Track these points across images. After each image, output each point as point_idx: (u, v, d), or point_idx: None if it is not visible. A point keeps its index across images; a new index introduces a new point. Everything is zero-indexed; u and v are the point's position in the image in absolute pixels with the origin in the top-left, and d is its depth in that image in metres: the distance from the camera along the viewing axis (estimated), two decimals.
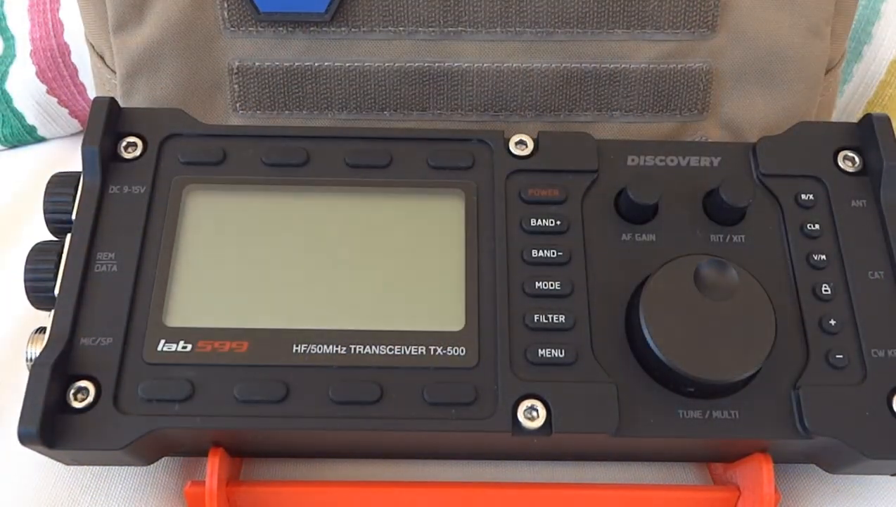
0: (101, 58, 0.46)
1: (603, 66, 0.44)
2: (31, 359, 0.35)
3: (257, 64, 0.44)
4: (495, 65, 0.44)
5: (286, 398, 0.34)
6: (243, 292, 0.36)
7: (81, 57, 0.53)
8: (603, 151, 0.40)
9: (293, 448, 0.38)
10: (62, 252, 0.37)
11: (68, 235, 0.37)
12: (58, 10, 0.53)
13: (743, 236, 0.38)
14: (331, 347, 0.35)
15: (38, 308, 0.38)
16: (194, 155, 0.39)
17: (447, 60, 0.44)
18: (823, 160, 0.40)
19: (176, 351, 0.35)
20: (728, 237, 0.38)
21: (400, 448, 0.37)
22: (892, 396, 0.35)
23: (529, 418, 0.34)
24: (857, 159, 0.40)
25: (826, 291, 0.37)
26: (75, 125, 0.57)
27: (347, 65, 0.44)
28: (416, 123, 0.45)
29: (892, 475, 0.37)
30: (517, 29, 0.43)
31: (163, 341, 0.35)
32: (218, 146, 0.39)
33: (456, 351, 0.35)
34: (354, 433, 0.34)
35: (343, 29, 0.43)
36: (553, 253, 0.37)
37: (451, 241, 0.38)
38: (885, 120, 0.40)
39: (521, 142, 0.40)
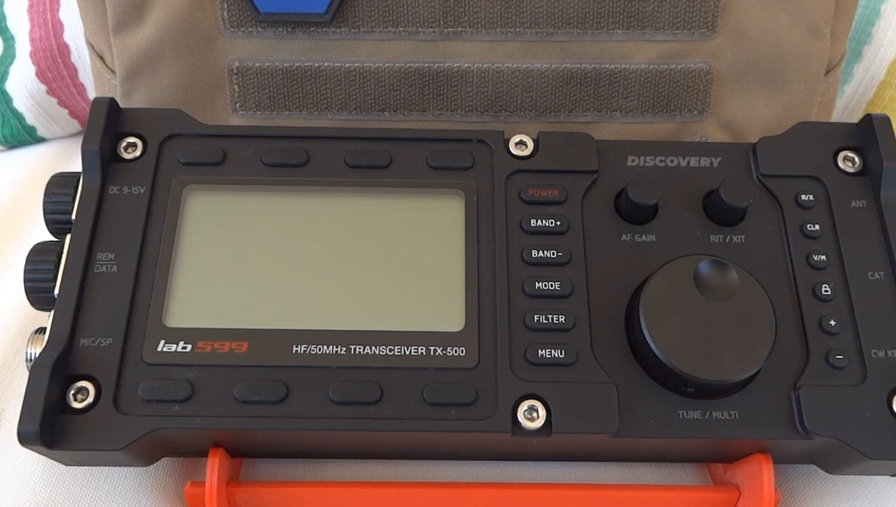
0: (101, 58, 0.46)
1: (603, 66, 0.44)
2: (31, 359, 0.35)
3: (257, 64, 0.44)
4: (495, 65, 0.44)
5: (286, 399, 0.34)
6: (243, 292, 0.36)
7: (81, 57, 0.53)
8: (603, 151, 0.40)
9: (293, 448, 0.38)
10: (62, 252, 0.37)
11: (68, 236, 0.37)
12: (58, 10, 0.53)
13: (743, 236, 0.38)
14: (331, 347, 0.35)
15: (37, 309, 0.38)
16: (194, 155, 0.39)
17: (447, 61, 0.44)
18: (823, 160, 0.40)
19: (176, 351, 0.35)
20: (728, 237, 0.38)
21: (400, 448, 0.37)
22: (892, 396, 0.35)
23: (529, 419, 0.34)
24: (857, 160, 0.40)
25: (826, 291, 0.37)
26: (75, 125, 0.57)
27: (347, 65, 0.44)
28: (416, 124, 0.45)
29: (892, 475, 0.37)
30: (517, 29, 0.43)
31: (163, 342, 0.35)
32: (218, 146, 0.39)
33: (456, 351, 0.35)
34: (354, 434, 0.34)
35: (343, 29, 0.43)
36: (553, 253, 0.37)
37: (451, 241, 0.38)
38: (885, 120, 0.40)
39: (521, 142, 0.40)
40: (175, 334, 0.35)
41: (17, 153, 0.56)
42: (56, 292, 0.36)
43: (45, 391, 0.33)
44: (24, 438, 0.33)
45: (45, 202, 0.38)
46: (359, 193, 0.39)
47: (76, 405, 0.34)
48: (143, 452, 0.35)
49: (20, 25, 0.53)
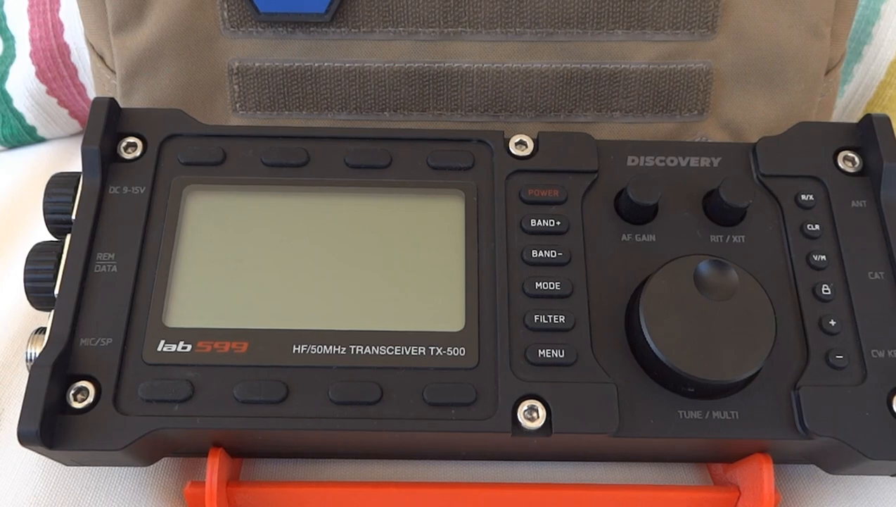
0: (101, 58, 0.46)
1: (603, 66, 0.44)
2: (31, 359, 0.35)
3: (257, 64, 0.44)
4: (495, 65, 0.44)
5: (286, 399, 0.34)
6: (243, 292, 0.36)
7: (81, 57, 0.53)
8: (603, 151, 0.40)
9: (293, 448, 0.38)
10: (62, 253, 0.37)
11: (68, 236, 0.37)
12: (58, 10, 0.53)
13: (743, 236, 0.38)
14: (331, 347, 0.35)
15: (37, 309, 0.38)
16: (194, 155, 0.39)
17: (447, 61, 0.44)
18: (823, 160, 0.40)
19: (176, 351, 0.35)
20: (728, 237, 0.38)
21: (400, 448, 0.37)
22: (892, 396, 0.35)
23: (529, 419, 0.34)
24: (857, 160, 0.40)
25: (826, 291, 0.37)
26: (75, 125, 0.57)
27: (347, 65, 0.44)
28: (416, 124, 0.45)
29: (892, 475, 0.37)
30: (517, 29, 0.43)
31: (163, 342, 0.35)
32: (218, 146, 0.39)
33: (456, 351, 0.35)
34: (354, 434, 0.34)
35: (343, 29, 0.43)
36: (553, 253, 0.37)
37: (450, 241, 0.38)
38: (885, 120, 0.40)
39: (521, 142, 0.40)
40: (175, 334, 0.35)
41: (17, 153, 0.56)
42: (56, 292, 0.36)
43: (45, 391, 0.33)
44: (24, 438, 0.33)
45: (45, 202, 0.38)
46: (359, 193, 0.39)
47: (76, 405, 0.34)
48: (143, 452, 0.35)
49: (20, 25, 0.53)
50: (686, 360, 0.34)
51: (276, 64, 0.44)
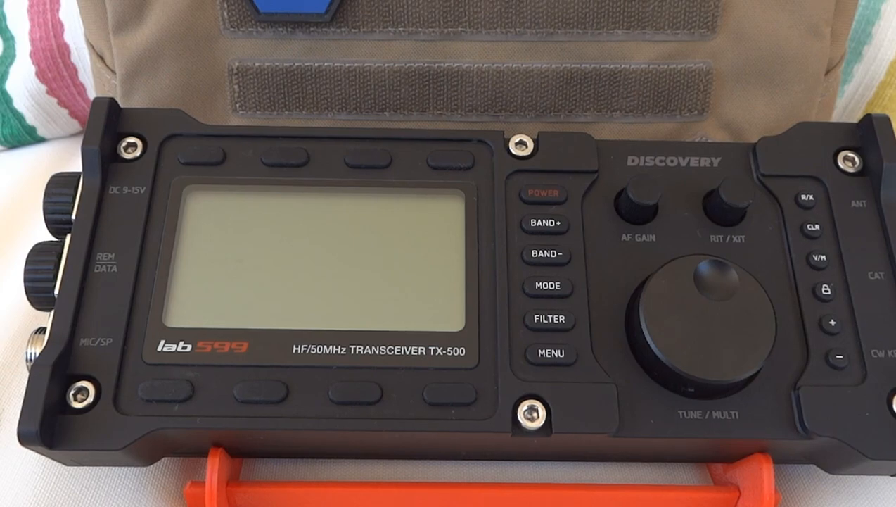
0: (101, 58, 0.46)
1: (603, 66, 0.44)
2: (31, 359, 0.35)
3: (257, 64, 0.44)
4: (495, 65, 0.44)
5: (286, 399, 0.34)
6: (243, 292, 0.36)
7: (81, 57, 0.53)
8: (603, 151, 0.40)
9: (293, 448, 0.38)
10: (62, 253, 0.37)
11: (68, 236, 0.37)
12: (58, 10, 0.53)
13: (743, 236, 0.38)
14: (331, 347, 0.35)
15: (37, 309, 0.38)
16: (194, 155, 0.39)
17: (447, 61, 0.44)
18: (823, 161, 0.40)
19: (176, 351, 0.35)
20: (728, 237, 0.38)
21: (400, 448, 0.37)
22: (892, 396, 0.35)
23: (529, 419, 0.34)
24: (857, 160, 0.40)
25: (826, 291, 0.37)
26: (75, 125, 0.57)
27: (347, 65, 0.44)
28: (416, 124, 0.45)
29: (892, 475, 0.37)
30: (517, 29, 0.43)
31: (163, 342, 0.35)
32: (218, 146, 0.39)
33: (456, 351, 0.35)
34: (354, 434, 0.34)
35: (343, 29, 0.43)
36: (553, 253, 0.37)
37: (450, 241, 0.38)
38: (885, 120, 0.40)
39: (521, 142, 0.40)
40: (175, 334, 0.35)
41: (17, 153, 0.56)
42: (56, 292, 0.36)
43: (45, 391, 0.33)
44: (24, 438, 0.33)
45: (45, 202, 0.38)
46: (359, 193, 0.39)
47: (76, 405, 0.34)
48: (143, 452, 0.35)
49: (20, 25, 0.53)
50: (686, 360, 0.34)
51: (276, 64, 0.44)
